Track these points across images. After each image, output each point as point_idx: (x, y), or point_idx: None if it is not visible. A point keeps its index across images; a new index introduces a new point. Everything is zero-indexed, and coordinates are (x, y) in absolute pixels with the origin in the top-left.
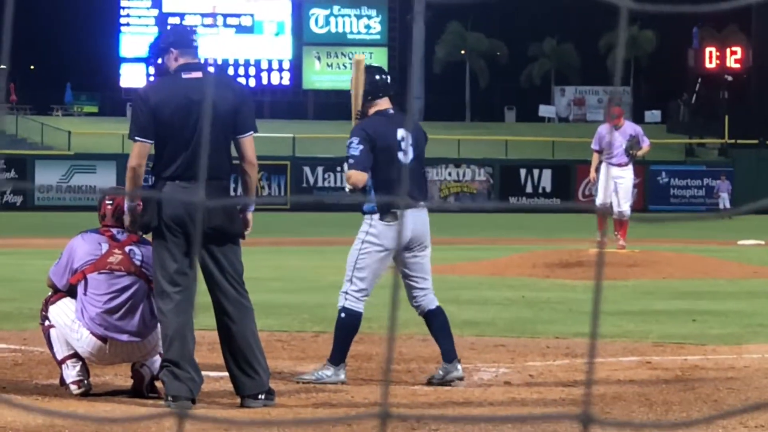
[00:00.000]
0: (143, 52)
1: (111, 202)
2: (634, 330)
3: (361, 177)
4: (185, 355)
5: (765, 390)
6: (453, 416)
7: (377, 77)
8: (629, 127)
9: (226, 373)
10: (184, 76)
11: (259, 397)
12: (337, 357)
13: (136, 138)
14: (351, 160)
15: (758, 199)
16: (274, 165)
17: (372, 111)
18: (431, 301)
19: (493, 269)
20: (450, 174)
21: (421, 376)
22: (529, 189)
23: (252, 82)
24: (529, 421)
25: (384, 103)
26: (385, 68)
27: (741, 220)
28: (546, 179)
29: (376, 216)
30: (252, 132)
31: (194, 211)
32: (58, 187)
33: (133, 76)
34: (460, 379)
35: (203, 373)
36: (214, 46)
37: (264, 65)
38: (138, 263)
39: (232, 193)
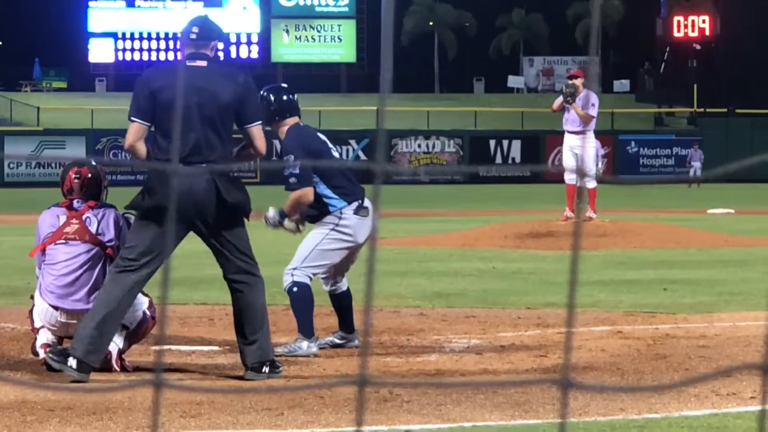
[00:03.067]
0: (111, 27)
1: (78, 175)
2: (605, 300)
3: (310, 193)
4: (102, 324)
5: (736, 358)
6: (431, 383)
7: (284, 97)
8: (586, 95)
9: (198, 348)
10: (188, 63)
11: (264, 370)
12: (306, 329)
13: (133, 118)
14: (294, 180)
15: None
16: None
17: (285, 128)
18: (345, 282)
19: (463, 241)
20: (419, 146)
21: (393, 348)
22: (498, 159)
23: (221, 56)
24: (507, 386)
25: (294, 120)
26: (354, 41)
27: (711, 188)
28: (515, 150)
29: (348, 210)
30: (258, 122)
31: (197, 197)
32: (27, 163)
33: (101, 51)
34: (357, 347)
35: (175, 347)
36: (183, 21)
37: (232, 38)
38: (93, 231)
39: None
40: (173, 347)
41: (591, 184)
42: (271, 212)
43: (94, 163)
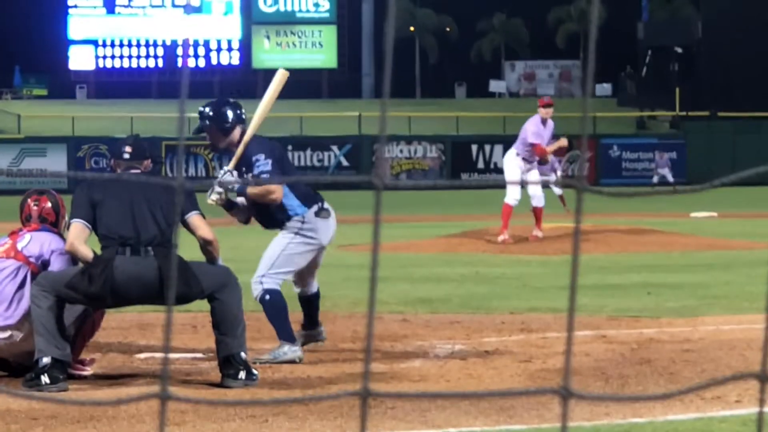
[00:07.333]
0: (91, 34)
1: (36, 202)
2: (588, 304)
3: (280, 191)
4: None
5: (720, 362)
6: (433, 393)
7: (238, 111)
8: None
9: (182, 355)
10: (124, 175)
11: (239, 377)
12: (286, 334)
13: (75, 220)
14: (266, 175)
15: (711, 170)
16: None
17: (233, 139)
18: (315, 284)
19: (446, 246)
20: (401, 151)
21: (377, 354)
22: (480, 165)
23: (201, 62)
24: (509, 395)
25: (240, 131)
26: (335, 47)
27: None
28: (497, 155)
29: (310, 213)
30: (194, 213)
31: (135, 284)
32: (8, 172)
33: (81, 58)
34: (323, 340)
35: (158, 354)
36: (163, 27)
37: (213, 45)
38: (20, 248)
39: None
40: (156, 355)
41: (538, 202)
42: (229, 176)
43: (53, 192)
